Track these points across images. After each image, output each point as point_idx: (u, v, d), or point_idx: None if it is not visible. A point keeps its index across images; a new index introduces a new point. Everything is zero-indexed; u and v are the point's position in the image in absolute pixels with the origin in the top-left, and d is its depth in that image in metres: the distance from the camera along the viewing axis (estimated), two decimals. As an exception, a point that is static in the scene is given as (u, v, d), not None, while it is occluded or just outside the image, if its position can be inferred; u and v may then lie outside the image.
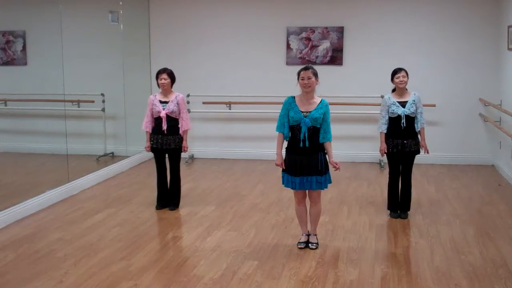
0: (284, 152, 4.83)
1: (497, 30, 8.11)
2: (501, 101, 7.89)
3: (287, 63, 8.67)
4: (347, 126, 8.49)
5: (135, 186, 7.18)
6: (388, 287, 4.14)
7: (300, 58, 8.63)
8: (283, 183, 4.88)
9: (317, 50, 8.63)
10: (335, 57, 8.60)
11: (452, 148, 8.50)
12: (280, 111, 4.81)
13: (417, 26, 8.41)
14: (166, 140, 5.92)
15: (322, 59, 8.61)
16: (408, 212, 5.84)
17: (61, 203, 6.36)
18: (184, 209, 6.13)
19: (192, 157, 8.91)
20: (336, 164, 4.76)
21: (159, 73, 5.92)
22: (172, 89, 5.99)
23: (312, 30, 8.61)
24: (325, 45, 8.61)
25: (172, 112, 5.87)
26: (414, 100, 5.58)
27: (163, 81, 5.88)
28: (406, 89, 5.66)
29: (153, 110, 5.91)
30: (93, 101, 8.25)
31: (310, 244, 4.92)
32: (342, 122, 8.31)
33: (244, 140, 8.96)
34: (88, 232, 5.36)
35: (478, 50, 8.30)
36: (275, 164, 4.89)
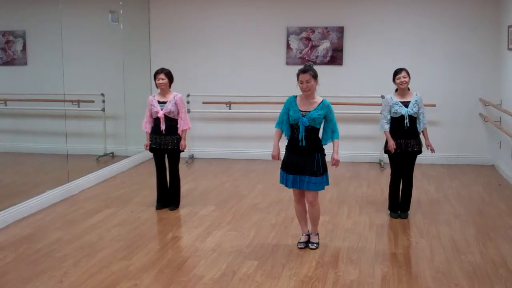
0: (284, 150, 4.85)
1: (497, 30, 8.11)
2: (501, 101, 7.89)
3: (287, 63, 8.67)
4: (347, 126, 8.48)
5: (135, 186, 7.18)
6: (388, 287, 4.14)
7: (300, 58, 8.63)
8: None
9: (317, 50, 8.63)
10: (335, 57, 8.60)
11: (452, 148, 8.50)
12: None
13: (417, 26, 8.41)
14: (164, 140, 5.92)
15: (322, 59, 8.62)
16: (408, 212, 5.84)
17: (61, 203, 6.36)
18: (184, 209, 6.13)
19: (192, 157, 8.91)
20: (334, 161, 4.75)
21: (156, 73, 5.93)
22: (171, 89, 5.99)
23: (312, 30, 8.61)
24: (325, 45, 8.61)
25: (170, 112, 5.87)
26: (416, 100, 5.58)
27: (160, 81, 5.88)
28: (409, 89, 5.67)
29: (152, 111, 5.91)
30: (93, 101, 8.25)
31: (310, 244, 4.92)
32: (342, 122, 8.21)
33: (244, 140, 8.96)
34: (88, 232, 5.36)
35: (478, 50, 8.30)
36: (271, 155, 4.91)
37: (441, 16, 8.35)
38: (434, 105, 8.20)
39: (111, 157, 8.38)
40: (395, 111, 5.59)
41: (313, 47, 8.63)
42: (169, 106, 5.86)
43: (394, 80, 5.63)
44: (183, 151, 6.05)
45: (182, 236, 5.32)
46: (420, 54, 8.39)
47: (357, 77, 8.54)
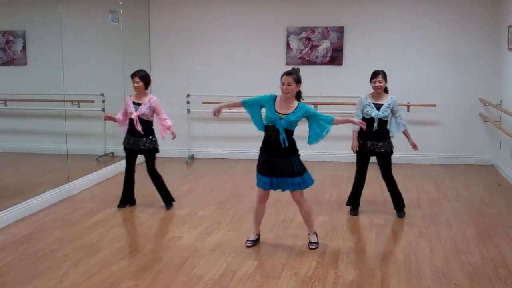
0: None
1: (497, 30, 8.11)
2: (501, 101, 7.89)
3: (287, 63, 8.65)
4: (346, 126, 8.43)
5: (135, 186, 7.16)
6: (388, 287, 4.14)
7: (300, 58, 8.63)
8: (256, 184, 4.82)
9: (317, 50, 8.62)
10: (335, 57, 8.59)
11: (452, 148, 8.50)
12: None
13: (417, 26, 8.40)
14: (139, 141, 5.99)
15: (322, 59, 8.61)
16: (404, 210, 5.84)
17: (61, 203, 6.36)
18: (184, 209, 6.13)
19: (192, 157, 8.91)
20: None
21: (132, 76, 6.02)
22: (148, 91, 6.05)
23: (312, 30, 8.61)
24: (325, 45, 8.61)
25: (143, 114, 5.94)
26: (390, 104, 5.59)
27: (135, 84, 5.97)
28: (387, 92, 5.71)
29: (127, 111, 5.99)
30: (93, 101, 8.24)
31: (309, 244, 4.91)
32: (342, 122, 8.29)
33: (244, 140, 8.94)
34: (88, 232, 5.36)
35: (478, 50, 8.30)
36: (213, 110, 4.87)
37: (441, 16, 8.35)
38: (434, 105, 8.20)
39: (111, 157, 8.38)
40: (367, 112, 5.61)
41: (313, 47, 8.63)
42: (143, 109, 5.92)
43: (370, 81, 5.65)
44: (174, 138, 6.10)
45: (182, 236, 5.31)
46: (420, 54, 8.38)
47: (357, 77, 8.49)
